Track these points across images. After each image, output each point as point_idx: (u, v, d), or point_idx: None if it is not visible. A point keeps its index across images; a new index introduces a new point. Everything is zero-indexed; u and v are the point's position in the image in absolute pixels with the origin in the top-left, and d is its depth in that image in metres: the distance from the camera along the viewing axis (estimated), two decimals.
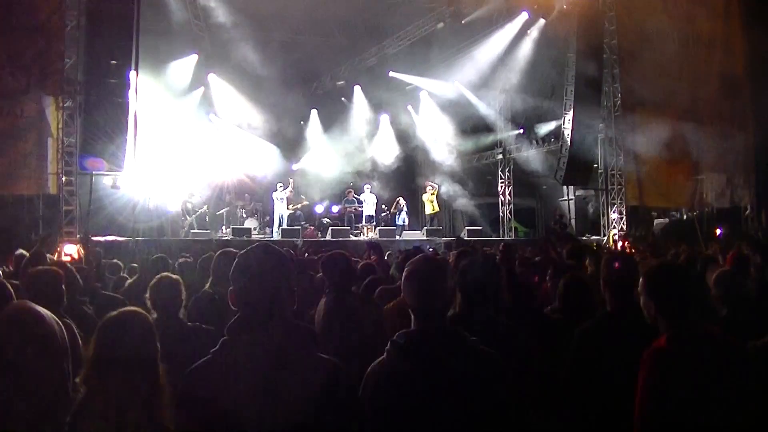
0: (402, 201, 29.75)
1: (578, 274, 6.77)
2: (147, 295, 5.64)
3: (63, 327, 4.18)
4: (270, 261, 3.18)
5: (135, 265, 11.93)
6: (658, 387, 3.70)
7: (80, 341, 4.79)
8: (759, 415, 3.67)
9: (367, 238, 25.98)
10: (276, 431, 2.90)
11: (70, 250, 17.29)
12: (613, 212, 27.86)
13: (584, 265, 8.83)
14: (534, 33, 28.23)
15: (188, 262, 10.04)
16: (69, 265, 8.15)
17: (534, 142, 32.19)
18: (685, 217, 30.34)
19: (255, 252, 3.24)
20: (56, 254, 17.54)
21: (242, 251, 3.27)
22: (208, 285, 6.75)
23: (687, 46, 29.06)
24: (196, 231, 25.64)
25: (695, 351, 3.74)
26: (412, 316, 3.55)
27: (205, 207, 27.49)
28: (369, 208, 29.44)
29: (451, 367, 3.34)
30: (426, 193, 29.99)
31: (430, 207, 29.63)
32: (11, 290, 4.84)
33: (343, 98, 33.68)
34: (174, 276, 5.80)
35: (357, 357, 3.68)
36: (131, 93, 20.81)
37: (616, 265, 5.29)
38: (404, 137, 33.40)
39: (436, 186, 30.15)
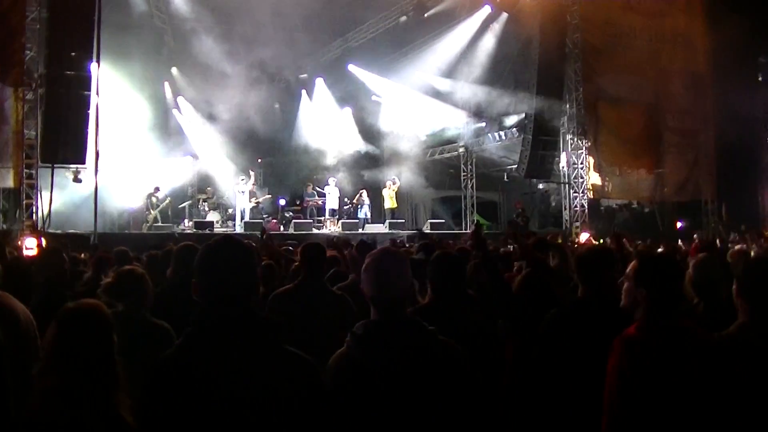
0: (365, 194, 29.77)
1: (542, 266, 6.81)
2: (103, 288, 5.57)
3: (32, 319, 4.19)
4: (234, 253, 3.17)
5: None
6: (625, 374, 3.74)
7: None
8: (721, 408, 3.73)
9: (329, 232, 26.01)
10: (241, 423, 2.91)
11: (31, 244, 17.14)
12: (575, 206, 28.03)
13: (548, 258, 8.90)
14: (497, 27, 28.31)
15: (156, 255, 9.98)
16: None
17: (496, 135, 32.26)
18: (646, 210, 30.61)
19: (219, 244, 3.23)
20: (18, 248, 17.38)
21: (206, 243, 3.27)
22: (168, 275, 6.73)
23: (651, 41, 29.31)
24: (159, 224, 25.56)
25: (664, 341, 3.79)
26: (371, 307, 3.58)
27: (168, 200, 27.37)
28: (332, 201, 29.44)
29: (409, 356, 3.37)
30: (386, 188, 30.05)
31: (390, 202, 29.73)
32: None
33: (305, 91, 33.60)
34: (139, 270, 5.74)
35: (324, 348, 3.68)
36: (93, 86, 20.70)
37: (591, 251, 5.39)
38: (367, 130, 33.34)
39: (398, 182, 30.19)
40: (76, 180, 22.22)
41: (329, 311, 6.00)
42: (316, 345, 3.66)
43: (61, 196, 22.18)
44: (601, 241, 19.27)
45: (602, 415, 3.84)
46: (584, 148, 28.23)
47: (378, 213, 31.12)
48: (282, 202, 31.00)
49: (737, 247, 13.09)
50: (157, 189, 26.93)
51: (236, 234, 23.44)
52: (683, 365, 3.75)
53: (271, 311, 5.88)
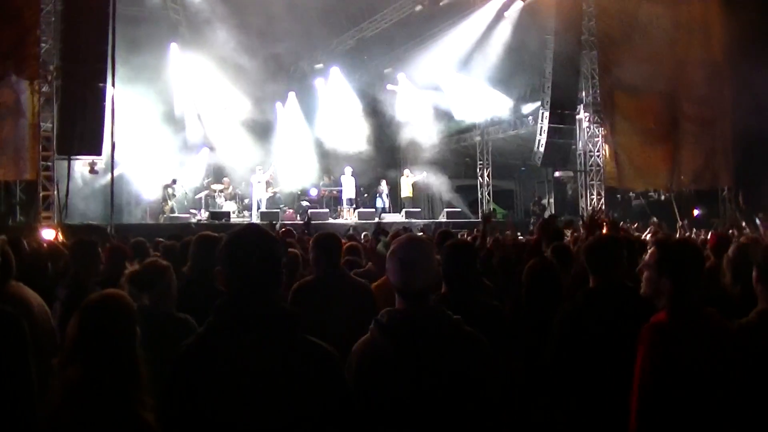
0: (383, 184, 29.80)
1: (544, 258, 6.76)
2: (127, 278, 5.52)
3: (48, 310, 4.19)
4: (260, 242, 3.17)
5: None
6: (657, 362, 3.72)
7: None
8: (746, 397, 3.71)
9: (345, 221, 26.05)
10: (262, 413, 2.90)
11: (48, 235, 17.19)
12: (591, 194, 27.98)
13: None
14: (512, 15, 28.20)
15: (173, 246, 9.95)
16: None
17: (513, 124, 32.23)
18: (662, 198, 30.47)
19: (244, 232, 3.24)
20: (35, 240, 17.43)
21: (232, 231, 3.26)
22: (186, 268, 6.70)
23: (667, 30, 29.10)
24: (175, 215, 25.64)
25: (694, 328, 3.78)
26: (396, 296, 3.56)
27: (184, 192, 27.44)
28: (348, 190, 29.44)
29: (435, 345, 3.35)
30: (404, 176, 30.10)
31: (408, 190, 29.78)
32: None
33: (321, 81, 33.59)
34: (164, 262, 5.67)
35: (346, 337, 3.66)
36: (108, 78, 20.74)
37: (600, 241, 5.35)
38: (382, 120, 33.32)
39: (420, 175, 30.25)
40: (93, 171, 22.32)
41: (351, 300, 5.95)
42: (338, 334, 3.65)
43: (78, 187, 22.25)
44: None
45: (633, 403, 3.81)
46: (601, 136, 28.15)
47: (395, 202, 31.15)
48: (313, 192, 30.87)
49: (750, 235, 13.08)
50: (174, 181, 27.00)
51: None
52: (714, 352, 3.73)
53: (294, 303, 5.84)
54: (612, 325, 4.54)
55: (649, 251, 4.19)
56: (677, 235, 15.84)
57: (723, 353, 3.74)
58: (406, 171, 30.22)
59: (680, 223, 22.79)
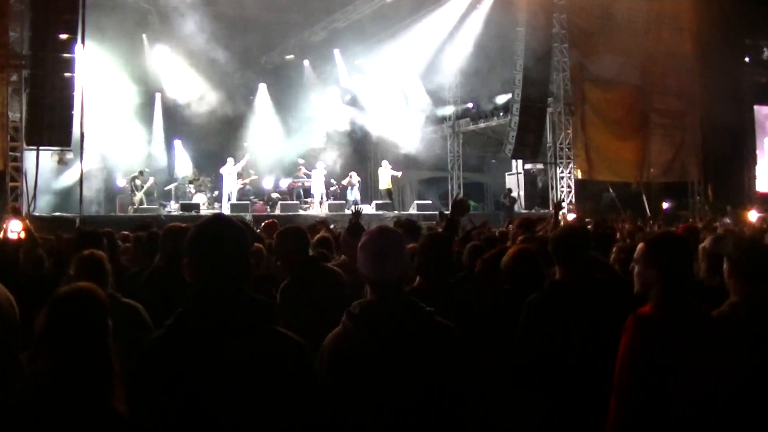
0: (354, 175, 29.76)
1: (527, 245, 6.75)
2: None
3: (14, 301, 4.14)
4: (226, 232, 3.13)
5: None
6: (640, 353, 3.72)
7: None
8: (734, 390, 3.74)
9: (315, 213, 25.99)
10: (232, 405, 2.88)
11: (16, 227, 17.07)
12: (561, 186, 28.13)
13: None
14: (484, 7, 28.24)
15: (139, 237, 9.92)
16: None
17: (483, 116, 32.32)
18: (632, 190, 30.66)
19: (210, 222, 3.20)
20: (2, 231, 17.31)
21: (199, 222, 3.22)
22: (157, 260, 6.69)
23: (638, 23, 29.35)
24: (144, 207, 25.51)
25: (681, 321, 3.77)
26: (368, 287, 3.55)
27: (152, 180, 27.28)
28: (318, 183, 29.33)
29: (407, 336, 3.35)
30: (382, 167, 30.04)
31: (386, 182, 29.73)
32: None
33: (291, 73, 33.54)
34: (98, 252, 5.64)
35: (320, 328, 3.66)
36: (78, 68, 20.60)
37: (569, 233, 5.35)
38: (354, 112, 33.30)
39: (397, 172, 30.23)
40: (61, 163, 22.17)
41: (325, 290, 5.94)
42: (314, 326, 3.66)
43: (47, 178, 22.10)
44: (587, 221, 19.31)
45: (612, 395, 3.80)
46: (571, 128, 28.27)
47: (371, 193, 31.19)
48: (284, 183, 30.82)
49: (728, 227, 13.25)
50: (141, 172, 26.83)
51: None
52: (700, 345, 3.73)
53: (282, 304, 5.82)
54: (579, 318, 4.53)
55: (638, 246, 4.19)
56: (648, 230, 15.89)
57: (713, 346, 3.75)
58: (384, 162, 30.10)
59: (649, 215, 22.91)
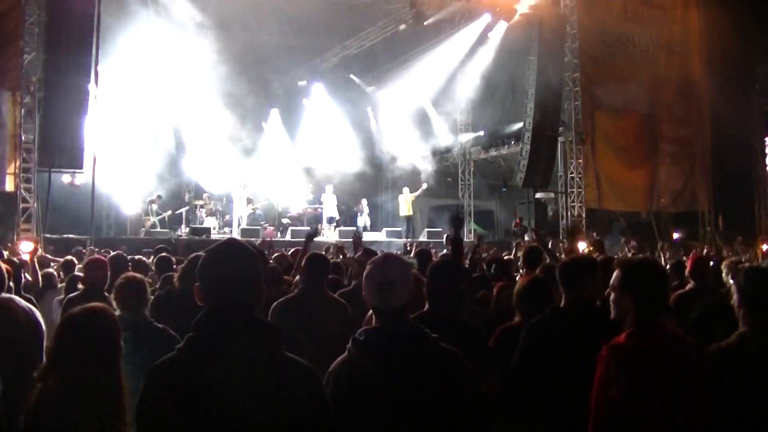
0: (364, 202, 29.78)
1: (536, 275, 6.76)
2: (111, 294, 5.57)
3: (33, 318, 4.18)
4: (238, 257, 3.14)
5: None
6: (613, 383, 3.73)
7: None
8: (713, 417, 3.74)
9: (326, 239, 25.97)
10: (240, 430, 2.89)
11: (27, 248, 17.11)
12: (572, 215, 28.09)
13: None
14: (495, 36, 28.30)
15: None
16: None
17: (494, 144, 32.36)
18: (642, 219, 30.59)
19: (223, 247, 3.20)
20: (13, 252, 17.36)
21: (211, 247, 3.22)
22: (175, 281, 6.75)
23: (647, 50, 29.43)
24: (156, 230, 25.53)
25: (654, 349, 3.77)
26: (373, 315, 3.58)
27: (169, 212, 27.38)
28: (329, 209, 29.34)
29: (412, 363, 3.37)
30: (402, 194, 29.96)
31: (406, 209, 29.65)
32: None
33: (303, 98, 33.63)
34: (138, 275, 5.73)
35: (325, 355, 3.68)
36: (91, 90, 20.69)
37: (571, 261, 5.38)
38: (365, 138, 33.36)
39: (417, 191, 30.15)
40: (73, 185, 22.22)
41: (330, 318, 5.97)
42: (318, 352, 3.66)
43: (59, 200, 22.14)
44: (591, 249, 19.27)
45: (589, 423, 3.83)
46: (582, 157, 28.24)
47: (381, 219, 31.24)
48: (294, 209, 30.82)
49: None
50: (159, 197, 26.91)
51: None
52: (674, 372, 3.74)
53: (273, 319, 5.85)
54: (576, 344, 4.55)
55: (614, 273, 4.20)
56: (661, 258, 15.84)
57: (689, 373, 3.76)
58: (405, 189, 30.02)
59: (660, 244, 22.82)
